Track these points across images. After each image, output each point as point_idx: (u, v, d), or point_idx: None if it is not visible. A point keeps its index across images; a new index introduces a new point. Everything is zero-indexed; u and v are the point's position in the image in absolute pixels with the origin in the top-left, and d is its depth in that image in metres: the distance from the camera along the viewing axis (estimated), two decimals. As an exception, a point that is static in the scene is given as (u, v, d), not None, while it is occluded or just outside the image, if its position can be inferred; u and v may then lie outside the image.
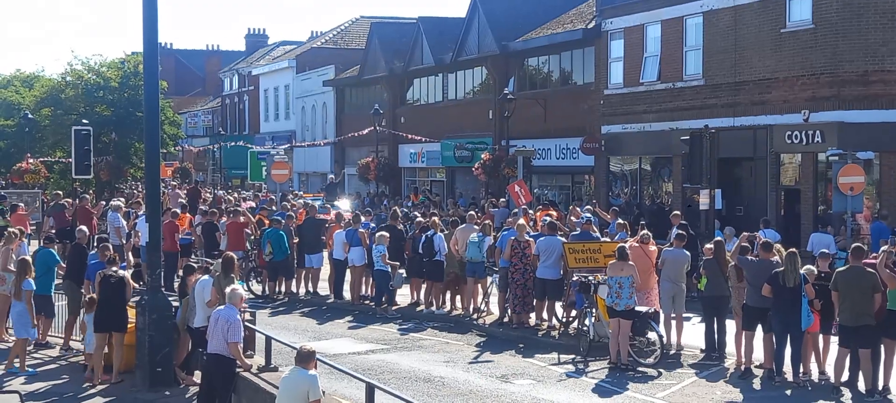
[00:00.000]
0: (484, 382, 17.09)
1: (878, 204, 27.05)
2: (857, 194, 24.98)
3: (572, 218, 26.99)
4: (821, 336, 16.91)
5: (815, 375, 16.92)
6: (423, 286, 24.35)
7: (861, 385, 15.89)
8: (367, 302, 25.12)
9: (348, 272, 25.52)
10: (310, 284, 26.84)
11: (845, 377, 16.08)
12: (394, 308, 23.94)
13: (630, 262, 18.12)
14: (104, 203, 35.65)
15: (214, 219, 28.30)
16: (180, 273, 20.57)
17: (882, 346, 15.80)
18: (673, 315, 19.23)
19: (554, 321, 21.15)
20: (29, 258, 18.65)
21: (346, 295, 25.65)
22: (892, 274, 15.73)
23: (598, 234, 23.26)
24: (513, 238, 21.21)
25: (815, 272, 16.51)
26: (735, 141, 30.31)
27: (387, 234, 24.07)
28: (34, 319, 18.58)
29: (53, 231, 28.55)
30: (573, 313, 20.54)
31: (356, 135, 51.01)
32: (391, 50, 52.55)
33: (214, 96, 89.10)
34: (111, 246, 19.44)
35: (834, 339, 16.58)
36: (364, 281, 25.45)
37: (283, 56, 72.44)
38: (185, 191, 41.34)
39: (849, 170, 24.93)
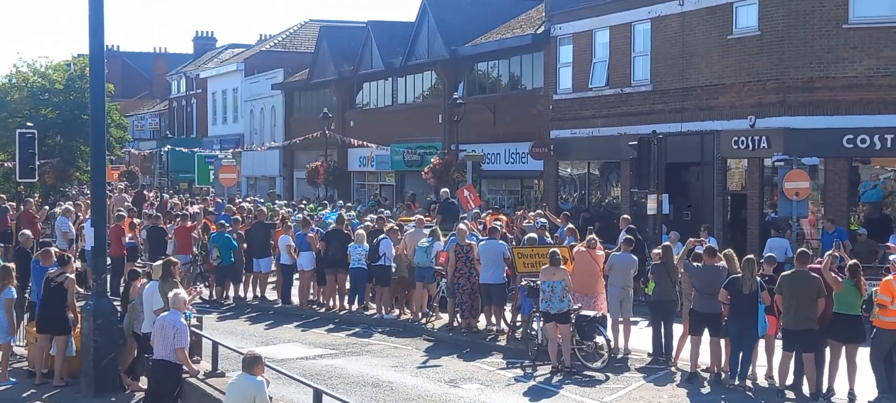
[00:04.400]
0: (432, 387, 17.07)
1: (823, 208, 27.33)
2: (802, 199, 25.24)
3: (524, 223, 27.04)
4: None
5: (761, 378, 17.08)
6: (373, 290, 24.32)
7: (806, 389, 16.06)
8: (314, 306, 25.07)
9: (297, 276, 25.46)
10: (258, 289, 26.72)
11: (790, 380, 16.25)
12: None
13: (562, 267, 18.17)
14: (48, 207, 35.25)
15: (160, 223, 28.05)
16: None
17: (827, 349, 15.99)
18: (620, 319, 19.31)
19: (503, 325, 21.18)
20: (11, 265, 18.25)
21: (295, 299, 25.56)
22: (836, 277, 15.92)
23: (551, 240, 23.31)
24: (455, 244, 21.23)
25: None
26: (682, 146, 30.52)
27: (364, 232, 24.08)
28: (14, 324, 18.22)
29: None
30: (519, 317, 20.60)
31: (305, 138, 50.80)
32: (340, 54, 52.38)
33: (162, 99, 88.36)
34: (55, 249, 19.18)
35: (778, 343, 16.74)
36: (312, 285, 25.39)
37: (232, 59, 72.01)
38: (131, 195, 40.92)
39: (794, 176, 25.18)
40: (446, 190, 32.78)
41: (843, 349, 15.88)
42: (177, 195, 48.48)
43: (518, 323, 20.76)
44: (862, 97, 27.04)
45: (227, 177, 39.20)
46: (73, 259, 19.05)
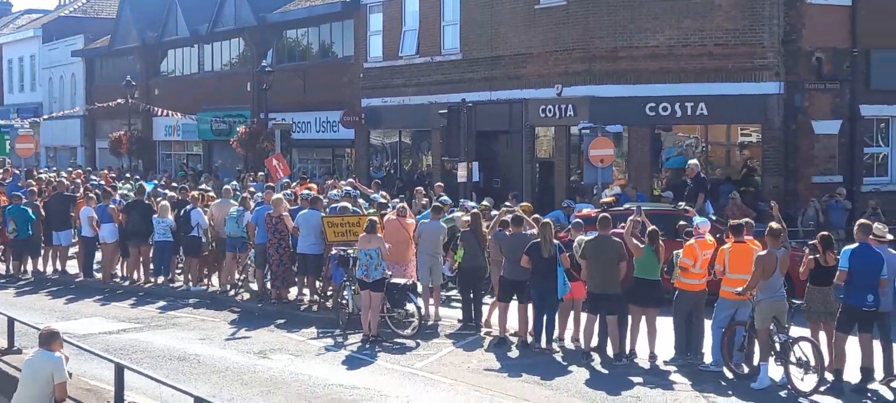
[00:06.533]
0: (241, 358, 16.77)
1: (626, 174, 28.08)
2: (607, 166, 25.85)
3: (333, 192, 26.81)
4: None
5: (567, 341, 17.42)
6: (180, 262, 23.78)
7: (610, 350, 16.45)
8: (118, 280, 24.36)
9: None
10: (58, 262, 25.80)
11: (595, 342, 16.61)
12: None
13: (378, 235, 18.12)
14: None
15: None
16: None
17: (629, 313, 16.41)
18: (430, 286, 19.38)
19: (315, 295, 21.00)
20: None
21: (97, 273, 24.79)
22: (638, 243, 16.32)
23: (358, 209, 23.20)
24: (268, 212, 20.93)
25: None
26: (492, 114, 30.86)
27: (168, 204, 23.42)
28: None
29: None
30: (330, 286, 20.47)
31: (107, 106, 49.29)
32: (144, 20, 51.06)
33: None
34: None
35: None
36: (115, 259, 24.67)
37: (29, 24, 69.39)
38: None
39: (599, 143, 25.74)
40: (695, 162, 25.80)
41: (644, 312, 16.32)
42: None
43: (329, 293, 20.62)
44: (663, 66, 27.84)
45: (24, 146, 37.57)
46: None
